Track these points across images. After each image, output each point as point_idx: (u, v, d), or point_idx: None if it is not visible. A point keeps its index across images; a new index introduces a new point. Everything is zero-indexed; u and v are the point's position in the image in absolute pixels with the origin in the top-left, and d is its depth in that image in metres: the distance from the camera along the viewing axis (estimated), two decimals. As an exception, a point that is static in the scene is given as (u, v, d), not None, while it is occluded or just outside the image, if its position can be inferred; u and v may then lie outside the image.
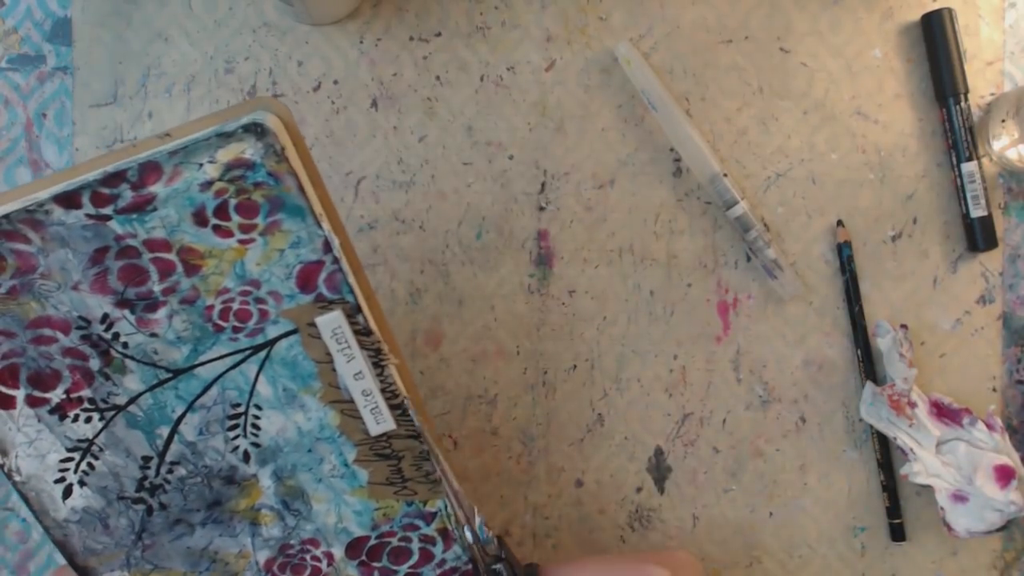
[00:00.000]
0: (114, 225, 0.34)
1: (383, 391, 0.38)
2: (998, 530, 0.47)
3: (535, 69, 0.50)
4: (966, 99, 0.49)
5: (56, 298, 0.35)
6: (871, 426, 0.50)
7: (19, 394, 0.36)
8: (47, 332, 0.35)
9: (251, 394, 0.37)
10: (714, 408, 0.50)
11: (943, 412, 0.49)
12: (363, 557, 0.40)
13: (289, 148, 0.34)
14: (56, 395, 0.36)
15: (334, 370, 0.37)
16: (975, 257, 0.50)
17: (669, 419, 0.50)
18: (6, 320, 0.35)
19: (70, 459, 0.37)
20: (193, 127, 0.33)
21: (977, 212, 0.49)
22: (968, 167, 0.49)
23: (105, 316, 0.35)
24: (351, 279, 0.36)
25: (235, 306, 0.36)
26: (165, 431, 0.37)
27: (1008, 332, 0.51)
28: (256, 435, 0.38)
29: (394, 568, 0.40)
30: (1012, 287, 0.51)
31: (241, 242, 0.35)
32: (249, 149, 0.33)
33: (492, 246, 0.50)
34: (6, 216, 0.33)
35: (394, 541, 0.40)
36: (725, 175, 0.49)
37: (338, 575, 0.40)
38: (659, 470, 0.50)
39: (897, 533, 0.50)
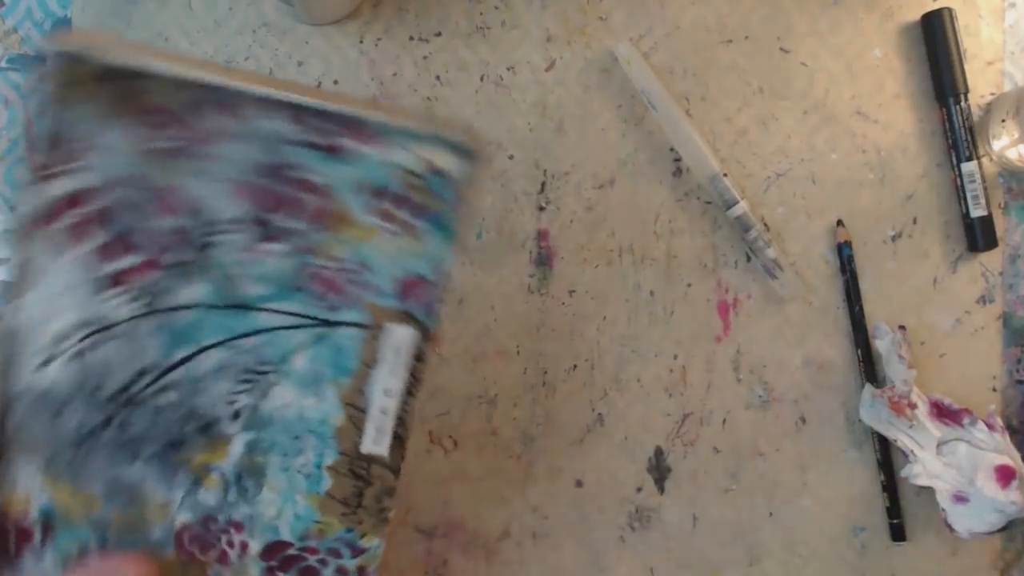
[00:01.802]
0: (298, 152, 0.34)
1: (398, 418, 0.37)
2: (1000, 530, 0.47)
3: (535, 69, 0.50)
4: (966, 99, 0.49)
5: (201, 181, 0.33)
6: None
7: (94, 240, 0.33)
8: (170, 203, 0.34)
9: (285, 361, 0.36)
10: (714, 408, 0.50)
11: (943, 412, 0.49)
12: (274, 562, 0.37)
13: (474, 183, 0.35)
14: (123, 263, 0.34)
15: (370, 377, 0.36)
16: (975, 257, 0.50)
17: (669, 419, 0.50)
18: (146, 171, 0.33)
19: (78, 332, 0.34)
20: (403, 115, 0.34)
21: (977, 212, 0.49)
22: (968, 167, 0.49)
23: (227, 221, 0.34)
24: (440, 313, 0.36)
25: (332, 276, 0.35)
26: (183, 352, 0.35)
27: (1008, 332, 0.51)
28: (261, 400, 0.36)
29: None
30: (1012, 287, 0.51)
31: (381, 227, 0.35)
32: (453, 165, 0.34)
33: (492, 246, 0.50)
34: (233, 91, 0.32)
35: (311, 559, 0.37)
36: (725, 175, 0.49)
37: (241, 569, 0.37)
38: (659, 470, 0.50)
39: (897, 533, 0.50)
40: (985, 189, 0.49)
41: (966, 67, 0.50)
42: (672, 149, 0.50)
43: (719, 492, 0.50)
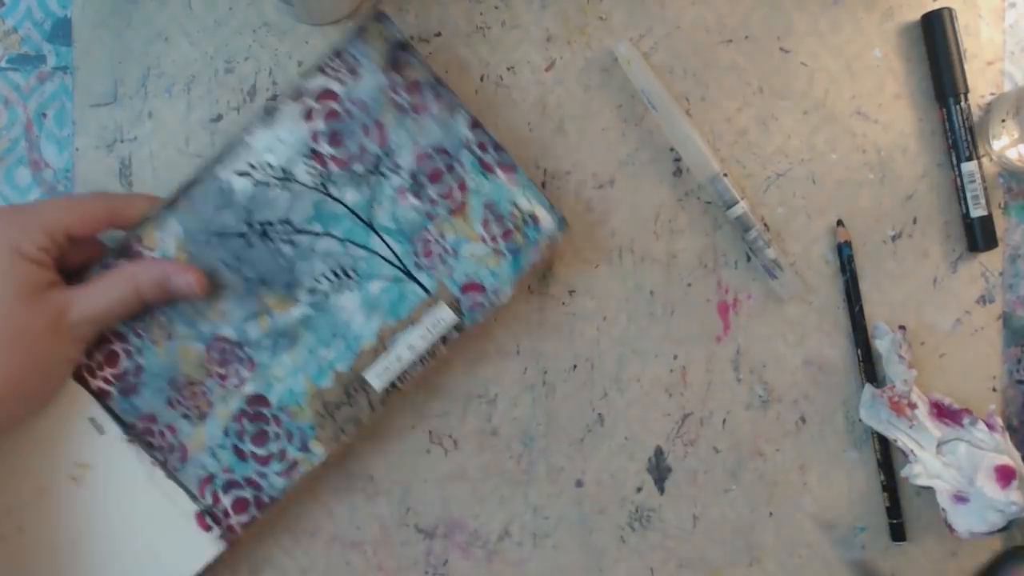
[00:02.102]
0: (467, 156, 0.46)
1: (403, 370, 0.46)
2: (1000, 530, 0.47)
3: (535, 69, 0.50)
4: (966, 99, 0.49)
5: (402, 132, 0.45)
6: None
7: (319, 126, 0.45)
8: (377, 134, 0.45)
9: (368, 279, 0.46)
10: (714, 408, 0.50)
11: (943, 412, 0.49)
12: (250, 410, 0.46)
13: (552, 246, 0.47)
14: (326, 150, 0.45)
15: (406, 330, 0.46)
16: (975, 257, 0.50)
17: (669, 419, 0.50)
18: (379, 107, 0.45)
19: (273, 171, 0.45)
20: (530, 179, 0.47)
21: (977, 212, 0.49)
22: (968, 167, 0.49)
23: (399, 166, 0.45)
24: (480, 319, 0.46)
25: (432, 246, 0.46)
26: (316, 228, 0.45)
27: (1008, 332, 0.51)
28: (334, 293, 0.46)
29: (251, 447, 0.46)
30: (1012, 287, 0.51)
31: (481, 235, 0.46)
32: (547, 224, 0.46)
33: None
34: (456, 101, 0.46)
35: (272, 427, 0.46)
36: (725, 175, 0.49)
37: (226, 396, 0.46)
38: (659, 470, 0.50)
39: (897, 533, 0.50)
40: (985, 189, 0.49)
41: (966, 67, 0.50)
42: (672, 149, 0.50)
43: (719, 492, 0.50)
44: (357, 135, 0.45)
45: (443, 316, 0.46)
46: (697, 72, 0.50)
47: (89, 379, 0.45)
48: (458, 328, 0.46)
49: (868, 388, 0.49)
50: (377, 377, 0.46)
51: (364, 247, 0.46)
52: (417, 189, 0.46)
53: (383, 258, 0.46)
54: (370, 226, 0.45)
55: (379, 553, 0.50)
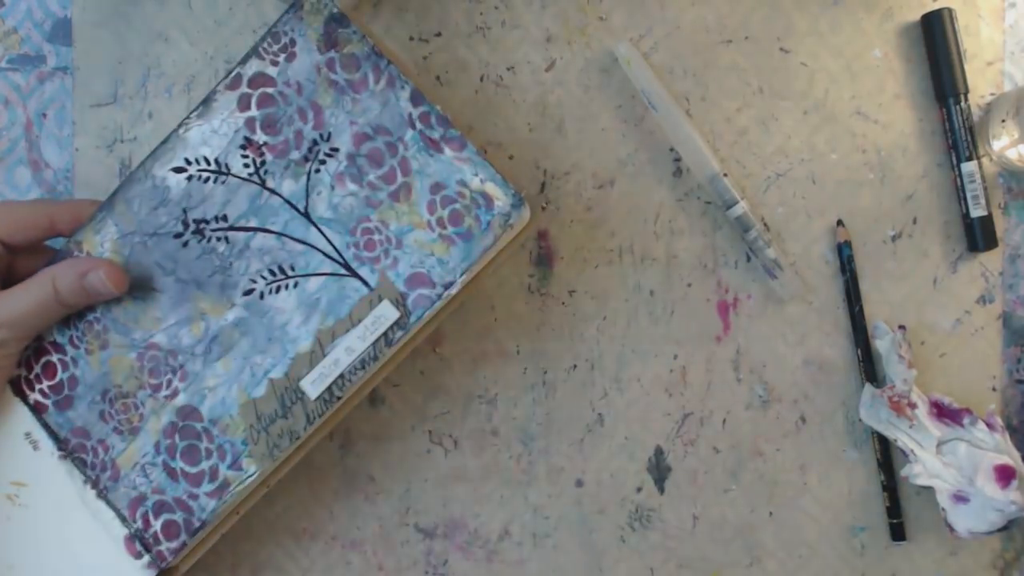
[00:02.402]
0: (411, 135, 0.42)
1: (340, 376, 0.42)
2: (1000, 530, 0.47)
3: (535, 69, 0.50)
4: (966, 99, 0.49)
5: (339, 113, 0.42)
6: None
7: (252, 113, 0.42)
8: (314, 117, 0.42)
9: (305, 276, 0.42)
10: (714, 408, 0.50)
11: (943, 412, 0.49)
12: (181, 423, 0.43)
13: (508, 227, 0.42)
14: (261, 138, 0.42)
15: (346, 332, 0.42)
16: (975, 257, 0.50)
17: (669, 419, 0.50)
18: (314, 88, 0.42)
19: (207, 164, 0.42)
20: (486, 155, 0.43)
21: (977, 212, 0.49)
22: (968, 167, 0.49)
23: (336, 149, 0.42)
24: (430, 316, 0.42)
25: (373, 236, 0.42)
26: (252, 223, 0.42)
27: (1008, 332, 0.51)
28: (270, 293, 0.42)
29: (184, 464, 0.43)
30: (1012, 287, 0.51)
31: (427, 222, 0.42)
32: (501, 201, 0.41)
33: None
34: (393, 70, 0.42)
35: (203, 443, 0.43)
36: (725, 175, 0.49)
37: (157, 408, 0.43)
38: (659, 470, 0.50)
39: (897, 533, 0.50)
40: (985, 189, 0.49)
41: (966, 67, 0.49)
42: (672, 149, 0.50)
43: (719, 492, 0.50)
44: (293, 120, 0.42)
45: (384, 313, 0.41)
46: (697, 72, 0.50)
47: (27, 392, 0.43)
48: (401, 326, 0.41)
49: (868, 388, 0.49)
50: (312, 384, 0.42)
51: (302, 241, 0.42)
52: (356, 174, 0.42)
53: (322, 252, 0.42)
54: (308, 218, 0.42)
55: (379, 553, 0.50)
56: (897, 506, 0.50)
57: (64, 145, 0.50)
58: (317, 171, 0.42)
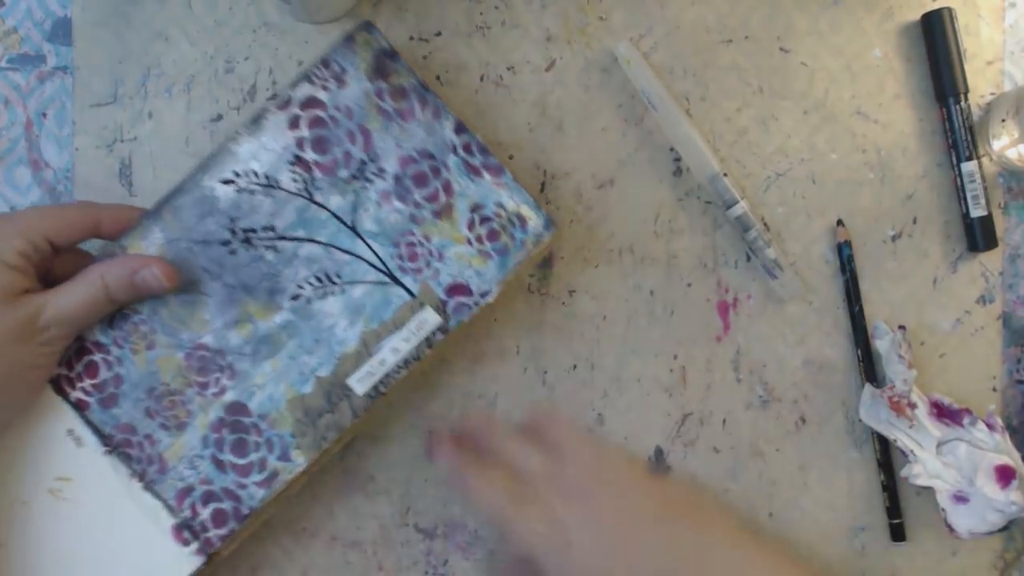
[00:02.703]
0: (454, 160, 0.46)
1: (386, 375, 0.45)
2: (1000, 530, 0.47)
3: (535, 69, 0.50)
4: (966, 99, 0.49)
5: (387, 137, 0.45)
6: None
7: (303, 133, 0.45)
8: (362, 140, 0.45)
9: (351, 284, 0.45)
10: (714, 408, 0.50)
11: (943, 412, 0.49)
12: (229, 418, 0.45)
13: (539, 245, 0.46)
14: (310, 156, 0.45)
15: (391, 334, 0.45)
16: (975, 257, 0.50)
17: (669, 419, 0.50)
18: (364, 113, 0.45)
19: (257, 178, 0.45)
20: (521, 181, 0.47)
21: (977, 212, 0.49)
22: (968, 167, 0.49)
23: (383, 170, 0.45)
24: (466, 320, 0.46)
25: (417, 249, 0.46)
26: (300, 233, 0.45)
27: (1008, 332, 0.51)
28: (317, 299, 0.45)
29: (232, 457, 0.45)
30: (1012, 287, 0.51)
31: (467, 238, 0.46)
32: (534, 223, 0.46)
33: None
34: (441, 104, 0.46)
35: (252, 437, 0.45)
36: (725, 175, 0.49)
37: (206, 405, 0.45)
38: (659, 470, 0.50)
39: (897, 533, 0.50)
40: (985, 189, 0.49)
41: (966, 67, 0.50)
42: (672, 149, 0.50)
43: (719, 492, 0.50)
44: (342, 141, 0.45)
45: (427, 318, 0.45)
46: (697, 72, 0.50)
47: (68, 390, 0.45)
48: (443, 330, 0.45)
49: (868, 388, 0.49)
50: (359, 382, 0.45)
51: (348, 252, 0.45)
52: (402, 193, 0.45)
53: (367, 262, 0.45)
54: (354, 230, 0.45)
55: (379, 553, 0.50)
56: (897, 506, 0.50)
57: (64, 145, 0.50)
58: (364, 189, 0.45)
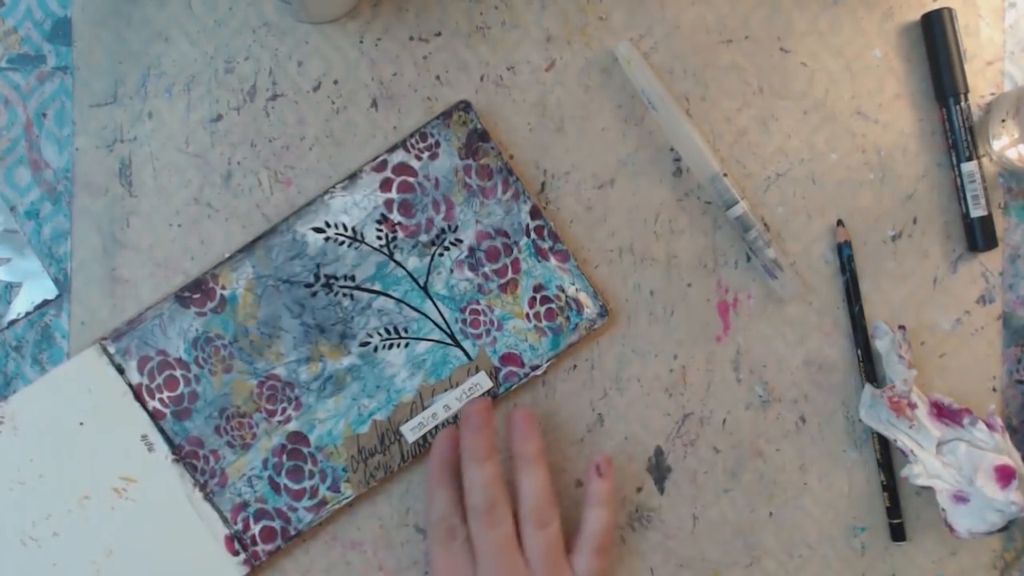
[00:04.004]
0: (524, 240, 0.49)
1: (435, 427, 0.49)
2: (1000, 530, 0.47)
3: (535, 69, 0.50)
4: (966, 99, 0.49)
5: (468, 211, 0.49)
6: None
7: (392, 196, 0.49)
8: (445, 210, 0.49)
9: (416, 339, 0.49)
10: (714, 408, 0.50)
11: (943, 412, 0.49)
12: (290, 446, 0.49)
13: (592, 330, 0.50)
14: (397, 218, 0.49)
15: (445, 391, 0.49)
16: (975, 257, 0.50)
17: (669, 419, 0.50)
18: (450, 186, 0.49)
19: (344, 231, 0.49)
20: (585, 267, 0.50)
21: (977, 212, 0.49)
22: (968, 167, 0.49)
23: (461, 240, 0.49)
24: (513, 388, 0.49)
25: (479, 317, 0.49)
26: (376, 286, 0.49)
27: (1008, 332, 0.51)
28: (383, 348, 0.49)
29: (288, 481, 0.49)
30: (1012, 287, 0.51)
31: (526, 313, 0.49)
32: (589, 308, 0.49)
33: (492, 246, 0.50)
34: (520, 185, 0.49)
35: (308, 465, 0.49)
36: (725, 175, 0.49)
37: (271, 431, 0.49)
38: (659, 470, 0.50)
39: (897, 533, 0.50)
40: (985, 189, 0.49)
41: (966, 67, 0.50)
42: (672, 149, 0.50)
43: (719, 492, 0.50)
44: (427, 208, 0.49)
45: (480, 382, 0.49)
46: (697, 72, 0.50)
47: (147, 399, 0.48)
48: (492, 394, 0.49)
49: (868, 388, 0.49)
50: (411, 431, 0.49)
51: (417, 310, 0.49)
52: (474, 264, 0.49)
53: (433, 322, 0.49)
54: (426, 291, 0.49)
55: (379, 553, 0.50)
56: (897, 506, 0.50)
57: (64, 145, 0.50)
58: (440, 255, 0.49)
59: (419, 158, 0.49)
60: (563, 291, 0.49)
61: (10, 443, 0.48)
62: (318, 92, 0.50)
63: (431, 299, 0.49)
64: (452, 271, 0.49)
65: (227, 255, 0.48)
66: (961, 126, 0.49)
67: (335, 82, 0.50)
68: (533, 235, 0.49)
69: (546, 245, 0.49)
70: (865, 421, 0.49)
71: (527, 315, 0.49)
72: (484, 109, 0.50)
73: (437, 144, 0.49)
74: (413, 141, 0.49)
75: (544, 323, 0.49)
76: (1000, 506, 0.46)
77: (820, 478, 0.50)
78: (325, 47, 0.50)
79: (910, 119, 0.51)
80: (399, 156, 0.49)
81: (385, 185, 0.49)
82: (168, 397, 0.48)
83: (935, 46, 0.50)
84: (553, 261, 0.49)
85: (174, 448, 0.48)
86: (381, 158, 0.49)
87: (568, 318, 0.49)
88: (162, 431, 0.48)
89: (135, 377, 0.48)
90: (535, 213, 0.49)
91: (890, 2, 0.51)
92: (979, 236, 0.49)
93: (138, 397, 0.48)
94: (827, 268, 0.50)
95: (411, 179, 0.49)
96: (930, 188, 0.51)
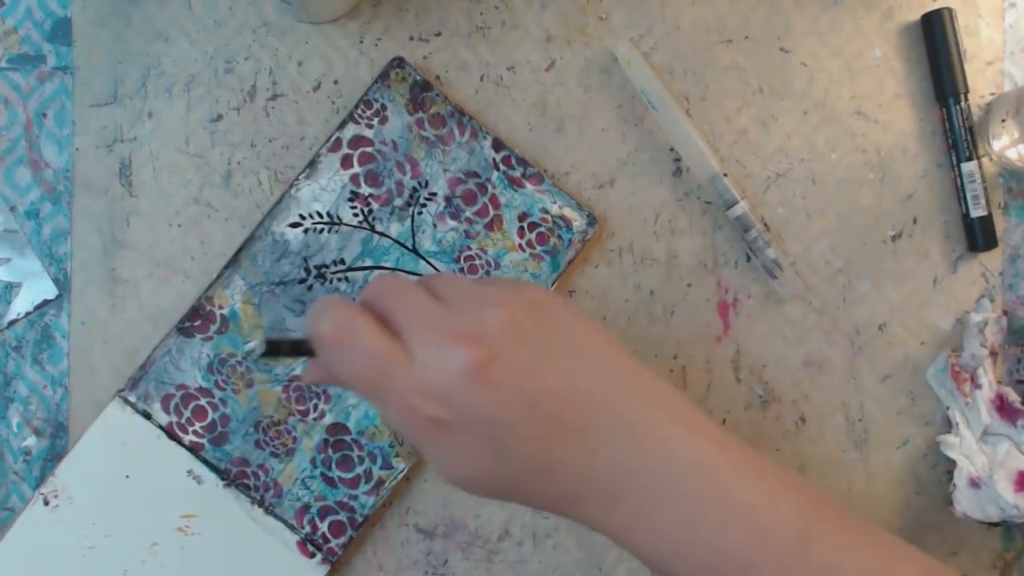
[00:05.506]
0: (495, 175, 0.49)
1: None
2: (992, 525, 0.47)
3: (535, 69, 0.50)
4: (966, 99, 0.49)
5: (432, 163, 0.49)
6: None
7: (356, 170, 0.49)
8: (411, 168, 0.49)
9: None
10: (714, 408, 0.50)
11: (1004, 406, 0.48)
12: (331, 438, 0.49)
13: (586, 242, 0.49)
14: (366, 191, 0.49)
15: None
16: (975, 257, 0.50)
17: (669, 419, 0.50)
18: (409, 144, 0.49)
19: (320, 218, 0.49)
20: (560, 184, 0.50)
21: (977, 212, 0.49)
22: (968, 167, 0.49)
23: (434, 194, 0.49)
24: None
25: (475, 261, 0.49)
26: (368, 262, 0.49)
27: (1008, 332, 0.51)
28: None
29: (340, 472, 0.49)
30: (1012, 287, 0.51)
31: (518, 244, 0.49)
32: (578, 222, 0.49)
33: (492, 246, 0.50)
34: (477, 124, 0.49)
35: (355, 452, 0.49)
36: (725, 175, 0.49)
37: (309, 429, 0.49)
38: (659, 470, 0.50)
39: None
40: (985, 189, 0.49)
41: (966, 67, 0.50)
42: (672, 149, 0.50)
43: (719, 492, 0.50)
44: (393, 172, 0.49)
45: None
46: (697, 72, 0.50)
47: (181, 435, 0.48)
48: None
49: (943, 355, 0.49)
50: None
51: (413, 272, 0.49)
52: (454, 212, 0.49)
53: None
54: (416, 252, 0.49)
55: (379, 553, 0.50)
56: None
57: (64, 145, 0.50)
58: (419, 213, 0.49)
59: (370, 126, 0.49)
60: (548, 212, 0.49)
61: (70, 514, 0.48)
62: (318, 92, 0.50)
63: (423, 258, 0.49)
64: (435, 225, 0.49)
65: (215, 275, 0.48)
66: (961, 126, 0.49)
67: (335, 82, 0.50)
68: (502, 167, 0.49)
69: (517, 173, 0.49)
70: (929, 381, 0.49)
71: (520, 246, 0.49)
72: (484, 109, 0.50)
73: (383, 107, 0.49)
74: (359, 112, 0.49)
75: (539, 248, 0.49)
76: (1004, 505, 0.46)
77: (820, 478, 0.50)
78: (325, 47, 0.50)
79: (910, 119, 0.51)
80: (351, 130, 0.49)
81: (346, 162, 0.49)
82: (201, 428, 0.48)
83: (935, 46, 0.50)
84: (529, 186, 0.49)
85: (221, 474, 0.48)
86: (334, 137, 0.49)
87: (560, 237, 0.49)
88: (205, 461, 0.48)
89: (163, 418, 0.48)
90: (498, 145, 0.49)
91: (890, 2, 0.51)
92: (979, 236, 0.49)
93: (172, 436, 0.48)
94: (827, 268, 0.50)
95: (369, 149, 0.49)
96: (930, 188, 0.51)
